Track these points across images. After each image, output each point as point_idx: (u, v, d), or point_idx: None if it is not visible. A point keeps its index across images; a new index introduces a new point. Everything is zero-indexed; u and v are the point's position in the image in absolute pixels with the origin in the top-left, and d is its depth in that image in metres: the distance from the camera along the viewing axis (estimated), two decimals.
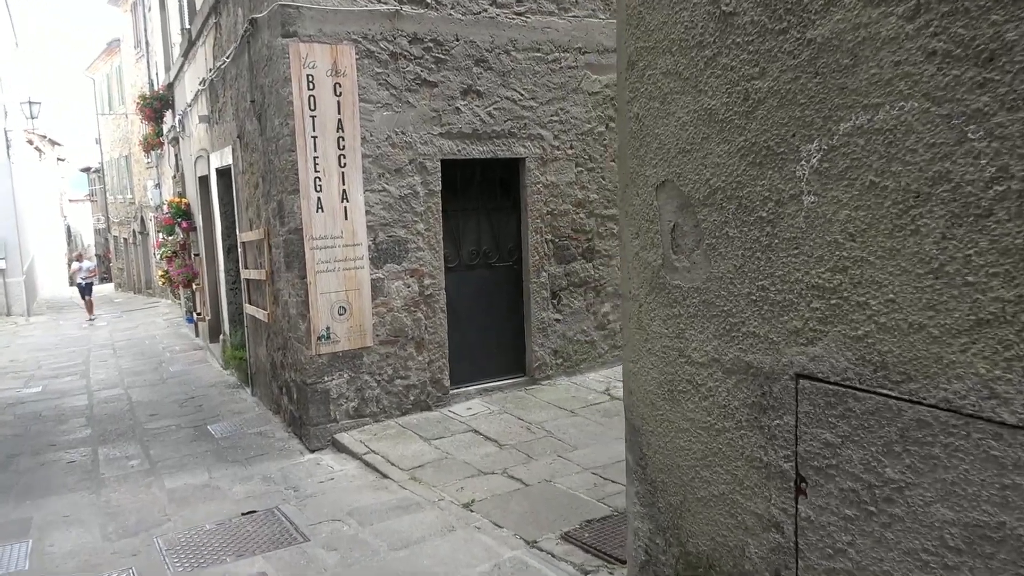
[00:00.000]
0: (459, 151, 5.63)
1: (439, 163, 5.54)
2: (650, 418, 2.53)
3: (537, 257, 6.16)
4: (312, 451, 5.24)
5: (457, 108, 5.58)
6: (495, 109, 5.76)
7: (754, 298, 2.15)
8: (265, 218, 5.97)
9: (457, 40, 5.51)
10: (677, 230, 2.33)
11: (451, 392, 5.81)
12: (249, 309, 7.00)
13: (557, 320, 6.34)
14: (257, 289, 6.69)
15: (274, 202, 5.61)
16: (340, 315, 5.19)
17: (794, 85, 1.92)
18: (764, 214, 2.10)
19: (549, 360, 6.31)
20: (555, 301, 6.31)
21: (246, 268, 6.98)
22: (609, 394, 5.90)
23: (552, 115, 6.09)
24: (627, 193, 2.56)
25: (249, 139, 6.29)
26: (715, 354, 2.27)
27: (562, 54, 6.06)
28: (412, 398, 5.62)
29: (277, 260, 5.70)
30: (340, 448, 5.13)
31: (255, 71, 5.72)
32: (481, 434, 5.12)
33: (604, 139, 6.40)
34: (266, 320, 6.17)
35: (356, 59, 5.09)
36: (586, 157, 6.34)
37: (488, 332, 6.12)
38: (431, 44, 5.40)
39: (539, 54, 5.94)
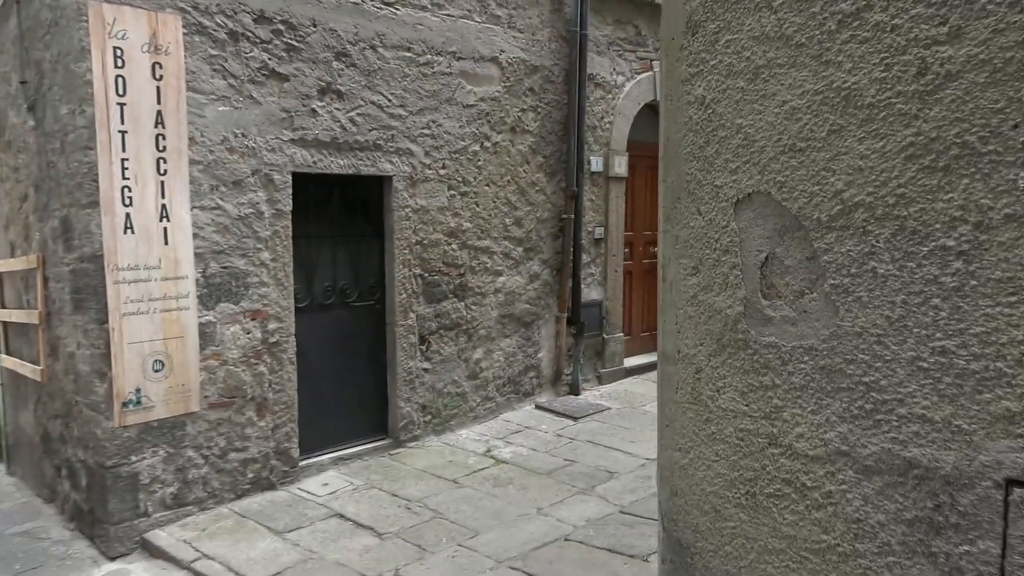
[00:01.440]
0: (315, 163, 4.72)
1: (290, 177, 4.60)
2: (711, 532, 1.84)
3: (404, 295, 5.35)
4: (112, 559, 3.99)
5: (313, 110, 4.69)
6: (359, 115, 4.93)
7: (925, 365, 1.53)
8: (39, 241, 4.62)
9: (314, 26, 4.64)
10: (773, 265, 1.68)
11: (301, 464, 4.80)
12: (8, 362, 5.45)
13: (426, 370, 5.54)
14: (22, 336, 5.21)
15: (55, 219, 4.33)
16: (156, 372, 4.04)
17: (1019, 52, 1.33)
18: (951, 243, 1.49)
19: (417, 417, 5.48)
20: (424, 347, 5.52)
21: (2, 307, 5.45)
22: (493, 456, 5.20)
23: (423, 127, 5.37)
24: (679, 210, 1.89)
25: (13, 135, 4.91)
26: (842, 444, 1.63)
27: (435, 57, 5.39)
28: (251, 475, 4.53)
29: (59, 297, 4.39)
30: (155, 553, 3.94)
31: (28, 41, 4.42)
32: (350, 519, 4.18)
33: (478, 159, 5.79)
34: (39, 379, 4.75)
35: (184, 34, 4.05)
36: (460, 179, 5.68)
37: (345, 386, 5.19)
38: (282, 27, 4.49)
39: (410, 54, 5.22)
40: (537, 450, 5.39)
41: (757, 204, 1.66)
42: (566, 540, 3.90)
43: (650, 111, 7.58)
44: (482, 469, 5.03)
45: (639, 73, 7.30)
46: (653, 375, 7.48)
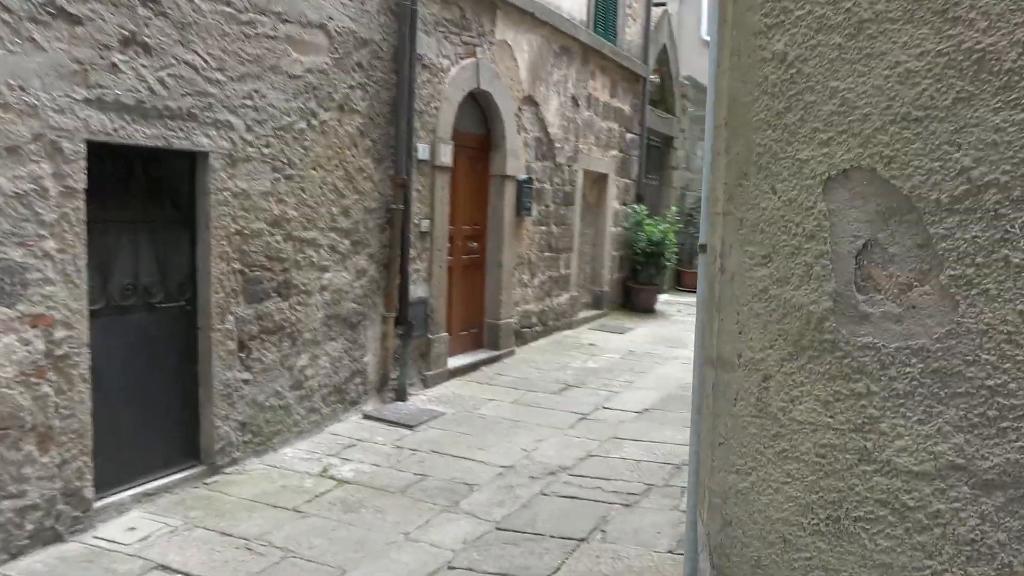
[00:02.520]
0: (116, 131, 3.88)
1: (84, 146, 3.73)
2: (778, 565, 1.64)
3: (221, 294, 4.62)
4: None
5: (114, 64, 3.84)
6: (170, 75, 4.15)
7: None
8: None
9: None
10: (873, 253, 1.52)
11: (96, 506, 3.93)
12: None
13: (246, 381, 4.85)
14: None
15: None
16: None
17: None
18: None
19: (236, 438, 4.77)
20: (244, 355, 4.82)
21: None
22: (332, 476, 4.67)
23: (245, 98, 4.68)
24: (746, 189, 1.66)
25: None
26: (957, 457, 1.50)
27: (259, 16, 4.71)
28: (31, 527, 3.60)
29: None
30: None
31: None
32: (177, 572, 3.45)
33: (305, 139, 5.19)
34: None
35: None
36: (285, 160, 5.04)
37: (149, 406, 4.36)
38: None
39: (231, 9, 4.51)
40: (380, 465, 4.93)
41: (855, 182, 1.46)
42: (451, 569, 3.54)
43: (472, 100, 7.37)
44: (324, 493, 4.47)
45: (463, 58, 7.05)
46: (477, 376, 7.28)
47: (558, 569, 3.52)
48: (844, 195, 1.50)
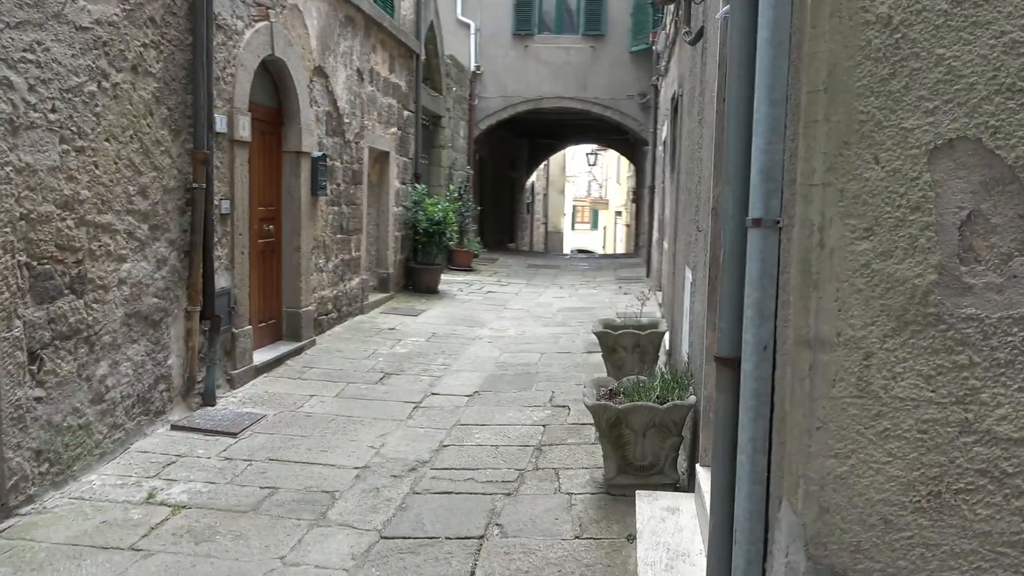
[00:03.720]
0: None
1: None
2: (878, 548, 1.73)
3: (7, 294, 3.77)
4: None
5: None
6: None
7: None
8: None
9: None
10: (976, 223, 1.63)
11: None
12: None
13: (39, 399, 4.03)
14: None
15: None
16: None
17: None
18: None
19: (30, 469, 3.95)
20: (35, 367, 3.99)
21: None
22: (164, 503, 4.07)
23: (25, 49, 3.82)
24: (846, 159, 1.70)
25: None
26: None
27: None
28: None
29: None
30: None
31: None
32: None
33: (96, 104, 4.39)
34: None
35: None
36: (75, 129, 4.22)
37: None
38: None
39: None
40: (217, 483, 4.37)
41: (960, 152, 1.54)
42: None
43: (263, 69, 6.73)
44: (162, 523, 3.85)
45: (257, 21, 6.41)
46: (285, 371, 6.77)
47: (472, 573, 3.39)
48: (949, 165, 1.57)
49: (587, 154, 30.99)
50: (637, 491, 3.97)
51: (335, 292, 8.53)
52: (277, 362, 6.90)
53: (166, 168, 5.17)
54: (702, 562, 3.22)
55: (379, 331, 8.60)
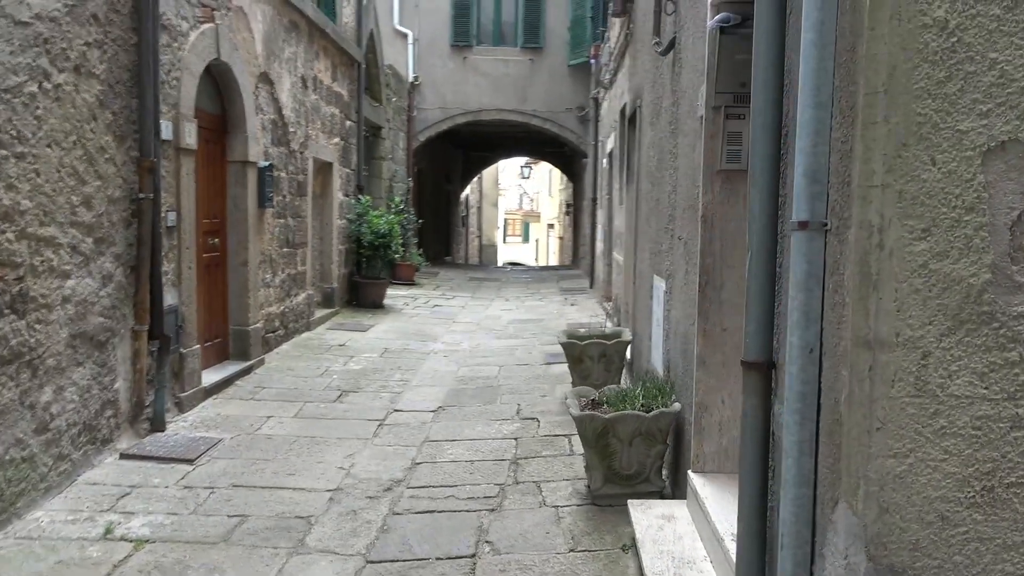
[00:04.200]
0: None
1: None
2: (935, 545, 1.70)
3: None
4: None
5: None
6: None
7: None
8: None
9: None
10: None
11: None
12: None
13: None
14: None
15: None
16: None
17: None
18: None
19: None
20: None
21: None
22: (125, 538, 3.79)
23: None
24: (905, 160, 1.67)
25: None
26: None
27: None
28: None
29: None
30: None
31: None
32: None
33: (37, 107, 4.07)
34: None
35: None
36: (14, 134, 3.91)
37: None
38: None
39: None
40: (180, 513, 4.08)
41: (1011, 154, 1.52)
42: None
43: (207, 74, 6.44)
44: (125, 560, 3.55)
45: (202, 22, 6.12)
46: (235, 392, 6.46)
47: None
48: (1001, 167, 1.56)
49: (521, 167, 31.12)
50: (629, 500, 3.89)
51: (282, 308, 8.21)
52: (226, 383, 6.57)
53: (111, 177, 4.84)
54: (708, 568, 3.16)
55: (329, 348, 8.32)
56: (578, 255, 19.42)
